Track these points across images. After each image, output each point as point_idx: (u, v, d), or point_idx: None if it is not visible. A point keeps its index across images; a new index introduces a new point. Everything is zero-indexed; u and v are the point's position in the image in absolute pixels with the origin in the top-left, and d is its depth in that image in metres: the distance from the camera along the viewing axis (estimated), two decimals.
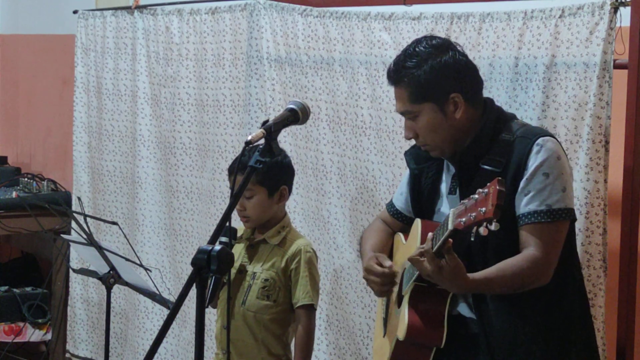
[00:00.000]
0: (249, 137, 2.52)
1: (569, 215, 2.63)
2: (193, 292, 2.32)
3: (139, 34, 4.60)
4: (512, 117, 2.79)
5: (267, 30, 4.01)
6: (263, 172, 2.98)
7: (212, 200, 4.30)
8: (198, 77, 4.35)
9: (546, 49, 3.11)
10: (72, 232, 4.13)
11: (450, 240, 2.47)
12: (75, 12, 4.94)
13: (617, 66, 2.97)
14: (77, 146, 4.96)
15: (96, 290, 4.94)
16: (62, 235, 4.64)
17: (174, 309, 2.33)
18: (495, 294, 2.65)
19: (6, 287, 5.30)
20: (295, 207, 3.93)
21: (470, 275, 2.56)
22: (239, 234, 3.45)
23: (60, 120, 5.63)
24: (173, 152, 4.49)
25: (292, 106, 2.69)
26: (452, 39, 2.98)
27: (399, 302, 2.76)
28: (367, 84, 3.64)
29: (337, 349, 3.84)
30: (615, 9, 2.95)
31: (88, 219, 3.92)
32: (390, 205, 3.04)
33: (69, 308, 5.09)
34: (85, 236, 3.71)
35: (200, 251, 2.30)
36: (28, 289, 5.31)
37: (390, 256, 2.99)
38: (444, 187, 2.81)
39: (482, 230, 2.31)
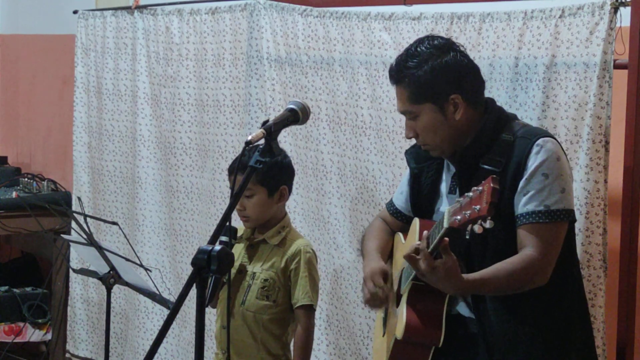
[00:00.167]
0: (249, 137, 2.52)
1: (567, 216, 2.63)
2: (193, 292, 2.32)
3: (139, 34, 4.60)
4: (513, 117, 2.79)
5: (267, 30, 4.01)
6: (263, 172, 2.98)
7: (212, 200, 4.30)
8: (198, 77, 4.35)
9: (546, 49, 3.11)
10: (72, 232, 4.13)
11: (446, 239, 2.46)
12: (75, 12, 4.94)
13: (617, 66, 2.97)
14: (77, 146, 4.96)
15: (96, 290, 4.94)
16: (62, 235, 4.64)
17: (174, 309, 2.33)
18: (492, 294, 2.66)
19: (6, 287, 5.30)
20: (295, 207, 3.93)
21: (465, 276, 2.56)
22: (238, 234, 3.45)
23: (60, 120, 5.63)
24: (173, 152, 4.49)
25: (292, 106, 2.69)
26: (453, 39, 2.98)
27: (398, 302, 2.76)
28: (367, 84, 3.64)
29: (337, 349, 3.84)
30: (615, 9, 2.95)
31: (88, 219, 3.92)
32: (391, 205, 3.04)
33: (69, 308, 5.09)
34: (85, 236, 3.71)
35: (200, 251, 2.30)
36: (28, 289, 5.31)
37: (391, 256, 3.00)
38: (444, 187, 2.81)
39: (477, 228, 2.31)
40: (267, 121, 2.60)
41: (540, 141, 2.63)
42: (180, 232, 4.50)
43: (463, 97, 2.69)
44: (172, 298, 3.92)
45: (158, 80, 4.54)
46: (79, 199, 4.29)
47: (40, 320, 5.22)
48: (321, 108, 3.82)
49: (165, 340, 3.51)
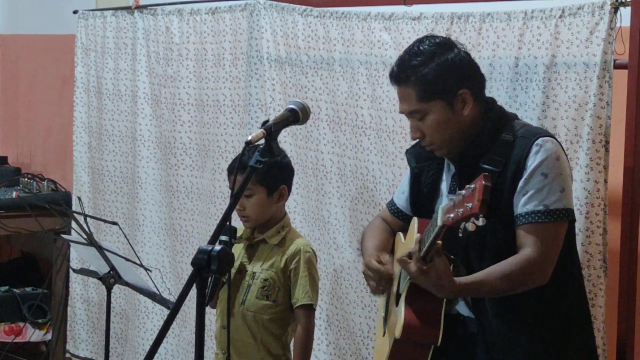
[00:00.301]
0: (249, 137, 2.52)
1: (567, 215, 2.62)
2: (193, 292, 2.32)
3: (139, 34, 4.61)
4: (514, 117, 2.79)
5: (267, 31, 4.01)
6: (262, 171, 2.98)
7: (212, 200, 4.30)
8: (198, 77, 4.35)
9: (546, 49, 3.11)
10: (72, 232, 4.13)
11: (439, 242, 2.47)
12: (75, 12, 4.94)
13: (617, 66, 2.97)
14: (77, 146, 4.96)
15: (96, 290, 4.94)
16: (62, 235, 4.64)
17: (174, 309, 2.33)
18: (489, 296, 2.66)
19: (6, 287, 5.30)
20: (295, 207, 3.93)
21: (457, 279, 2.57)
22: (238, 233, 3.45)
23: (60, 120, 5.62)
24: (173, 152, 4.49)
25: (292, 106, 2.69)
26: (453, 39, 2.98)
27: (398, 301, 2.76)
28: (367, 84, 3.64)
29: (337, 349, 3.84)
30: (615, 9, 2.95)
31: (88, 219, 3.92)
32: (391, 204, 3.04)
33: (69, 308, 5.09)
34: (85, 236, 3.71)
35: (200, 251, 2.30)
36: (28, 289, 5.31)
37: (392, 255, 2.99)
38: (444, 186, 2.81)
39: (470, 226, 2.31)
40: (267, 121, 2.60)
41: (539, 141, 2.63)
42: (180, 232, 4.50)
43: (471, 92, 2.69)
44: (172, 298, 3.92)
45: (158, 80, 4.54)
46: (79, 199, 4.29)
47: (40, 320, 5.22)
48: (321, 108, 3.82)
49: (165, 340, 3.50)
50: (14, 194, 5.14)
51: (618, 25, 2.95)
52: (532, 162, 2.61)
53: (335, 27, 3.74)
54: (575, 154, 3.02)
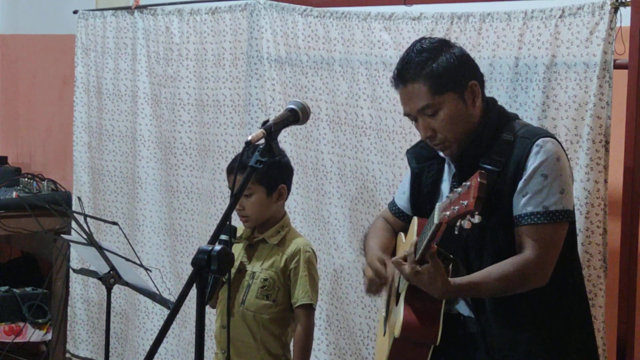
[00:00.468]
0: (249, 137, 2.52)
1: (566, 217, 2.62)
2: (193, 292, 2.32)
3: (139, 34, 4.60)
4: (514, 117, 2.79)
5: (267, 31, 4.01)
6: (261, 171, 2.99)
7: (212, 200, 4.30)
8: (198, 77, 4.35)
9: (546, 49, 3.11)
10: (72, 232, 4.13)
11: (435, 246, 2.49)
12: (75, 12, 4.94)
13: (617, 66, 2.97)
14: (77, 146, 4.96)
15: (96, 290, 4.94)
16: (62, 235, 4.64)
17: (174, 309, 2.33)
18: (486, 297, 2.66)
19: (6, 287, 5.30)
20: (295, 207, 3.93)
21: (453, 280, 2.57)
22: (238, 233, 3.46)
23: (60, 120, 5.62)
24: (173, 152, 4.49)
25: (292, 106, 2.69)
26: (452, 39, 2.99)
27: (397, 300, 2.76)
28: (367, 84, 3.64)
29: (337, 349, 3.84)
30: (615, 9, 2.95)
31: (88, 219, 3.91)
32: (392, 204, 3.04)
33: (69, 308, 5.09)
34: (85, 236, 3.71)
35: (200, 251, 2.30)
36: (28, 289, 5.31)
37: (393, 254, 2.99)
38: (445, 187, 2.80)
39: (466, 224, 2.31)
40: (267, 121, 2.60)
41: (540, 141, 2.62)
42: (180, 232, 4.50)
43: (479, 83, 2.69)
44: (172, 298, 3.92)
45: (158, 80, 4.54)
46: (79, 199, 4.28)
47: (40, 320, 5.22)
48: (321, 108, 3.82)
49: (165, 340, 3.50)
50: (14, 194, 5.14)
51: (618, 25, 2.95)
52: (532, 162, 2.61)
53: (335, 27, 3.74)
54: (575, 154, 3.02)
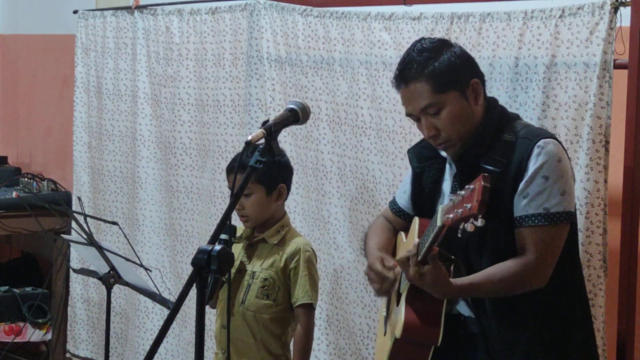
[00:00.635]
0: (249, 137, 2.52)
1: (567, 218, 2.62)
2: (193, 292, 2.32)
3: (139, 34, 4.60)
4: (516, 117, 2.78)
5: (267, 30, 4.01)
6: (261, 170, 2.99)
7: (212, 200, 4.30)
8: (198, 77, 4.35)
9: (546, 49, 3.11)
10: (72, 232, 4.13)
11: (436, 248, 2.49)
12: (75, 12, 4.94)
13: (617, 66, 2.97)
14: (77, 146, 4.96)
15: (96, 290, 4.94)
16: (62, 235, 4.64)
17: (174, 309, 2.33)
18: (486, 298, 2.66)
19: (6, 287, 5.30)
20: (295, 207, 3.93)
21: (454, 280, 2.58)
22: (238, 233, 3.46)
23: (60, 120, 5.62)
24: (173, 152, 4.49)
25: (292, 106, 2.69)
26: (452, 39, 2.99)
27: (398, 300, 2.76)
28: (367, 84, 3.64)
29: (337, 349, 3.84)
30: (615, 9, 2.95)
31: (88, 219, 3.92)
32: (393, 204, 3.04)
33: (69, 308, 5.09)
34: (85, 236, 3.71)
35: (200, 251, 2.30)
36: (28, 289, 5.31)
37: (394, 255, 3.00)
38: (446, 186, 2.80)
39: (469, 227, 2.31)
40: (267, 121, 2.60)
41: (541, 142, 2.62)
42: (180, 232, 4.50)
43: (480, 82, 2.70)
44: (172, 298, 3.92)
45: (158, 80, 4.54)
46: (79, 199, 4.29)
47: (40, 320, 5.22)
48: (321, 108, 3.82)
49: (165, 340, 3.50)
50: (14, 194, 5.14)
51: (618, 25, 2.95)
52: (534, 164, 2.60)
53: (335, 27, 3.74)
54: (575, 154, 3.01)
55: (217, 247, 2.29)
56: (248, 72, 4.09)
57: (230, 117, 4.22)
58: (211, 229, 3.89)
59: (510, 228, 2.63)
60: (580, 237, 2.97)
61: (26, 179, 5.34)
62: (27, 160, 5.95)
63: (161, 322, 3.95)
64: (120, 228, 4.10)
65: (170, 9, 4.47)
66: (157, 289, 3.72)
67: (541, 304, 2.65)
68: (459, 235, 2.36)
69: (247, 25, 4.10)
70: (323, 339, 3.87)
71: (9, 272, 5.59)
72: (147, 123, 4.61)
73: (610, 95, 2.96)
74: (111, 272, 3.75)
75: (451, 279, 2.58)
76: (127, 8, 4.70)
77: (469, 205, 2.29)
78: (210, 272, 2.29)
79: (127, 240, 4.20)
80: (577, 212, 2.86)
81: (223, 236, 3.16)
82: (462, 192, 2.34)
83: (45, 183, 5.27)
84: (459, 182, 2.72)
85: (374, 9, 3.64)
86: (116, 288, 4.25)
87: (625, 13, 2.96)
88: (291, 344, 3.42)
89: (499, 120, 2.71)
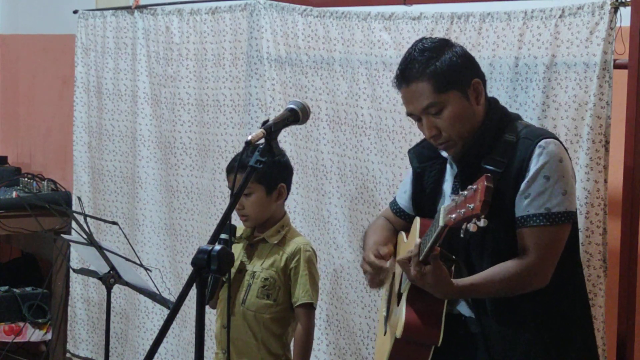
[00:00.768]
0: (249, 137, 2.52)
1: (568, 218, 2.62)
2: (193, 292, 2.32)
3: (139, 34, 4.61)
4: (517, 117, 2.78)
5: (267, 30, 4.01)
6: (261, 170, 2.99)
7: (212, 200, 4.30)
8: (198, 77, 4.35)
9: (546, 49, 3.11)
10: (72, 232, 4.13)
11: (438, 248, 2.49)
12: (75, 12, 4.94)
13: (617, 66, 2.97)
14: (77, 146, 4.96)
15: (96, 290, 4.94)
16: (62, 235, 4.64)
17: (174, 309, 2.33)
18: (487, 298, 2.66)
19: (6, 287, 5.30)
20: (295, 207, 3.93)
21: (455, 281, 2.58)
22: (238, 233, 3.46)
23: (60, 120, 5.62)
24: (173, 152, 4.49)
25: (292, 106, 2.68)
26: (452, 39, 2.98)
27: (399, 300, 2.76)
28: (367, 84, 3.64)
29: (337, 349, 3.84)
30: (615, 9, 2.95)
31: (88, 219, 3.92)
32: (394, 204, 3.04)
33: (69, 308, 5.09)
34: (85, 236, 3.71)
35: (200, 251, 2.30)
36: (28, 289, 5.31)
37: (394, 255, 2.99)
38: (447, 186, 2.80)
39: (472, 227, 2.31)
40: (267, 121, 2.60)
41: (542, 142, 2.62)
42: (180, 232, 4.50)
43: (481, 82, 2.69)
44: (172, 298, 3.92)
45: (158, 80, 4.54)
46: (79, 198, 4.29)
47: (40, 320, 5.22)
48: (321, 108, 3.82)
49: (165, 340, 3.51)
50: (14, 194, 5.14)
51: (618, 25, 2.95)
52: (535, 164, 2.60)
53: (335, 27, 3.74)
54: (575, 154, 3.01)
55: (217, 247, 2.29)
56: (248, 72, 4.09)
57: (230, 117, 4.22)
58: (211, 229, 3.89)
59: (511, 228, 2.63)
60: (580, 237, 2.97)
61: (26, 179, 5.34)
62: (27, 160, 5.95)
63: (161, 322, 3.95)
64: (120, 228, 4.10)
65: (170, 9, 4.47)
66: (157, 289, 3.72)
67: (541, 304, 2.65)
68: (462, 235, 2.35)
69: (247, 25, 4.10)
70: (323, 339, 3.88)
71: (9, 272, 5.59)
72: (147, 123, 4.61)
73: (610, 95, 2.96)
74: (111, 272, 3.75)
75: (452, 280, 2.58)
76: (127, 8, 4.70)
77: (471, 206, 2.28)
78: (210, 272, 2.29)
79: (127, 240, 4.20)
80: (577, 212, 2.86)
81: (223, 236, 3.17)
82: (465, 193, 2.34)
83: (45, 183, 5.27)
84: (460, 183, 2.72)
85: (374, 9, 3.64)
86: (116, 288, 4.25)
87: (625, 13, 2.96)
88: (291, 343, 3.42)
89: (499, 120, 2.71)
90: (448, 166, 2.81)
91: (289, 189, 3.46)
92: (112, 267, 3.74)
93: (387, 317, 2.93)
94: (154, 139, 4.58)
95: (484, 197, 2.26)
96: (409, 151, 2.94)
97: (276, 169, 3.35)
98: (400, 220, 3.01)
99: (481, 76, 2.72)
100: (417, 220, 2.80)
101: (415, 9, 3.51)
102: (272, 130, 2.56)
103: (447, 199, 2.78)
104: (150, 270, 3.82)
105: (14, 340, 5.19)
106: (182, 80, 4.43)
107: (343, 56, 3.72)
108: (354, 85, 3.69)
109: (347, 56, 3.71)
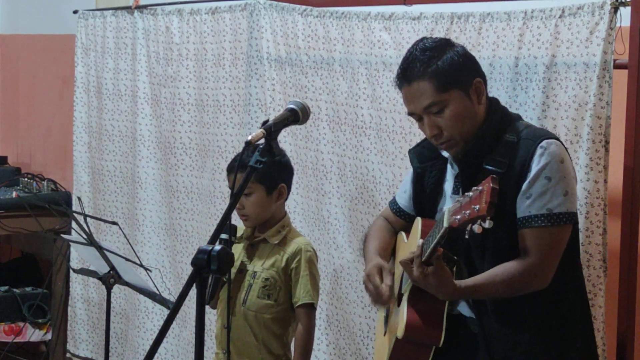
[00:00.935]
0: (249, 137, 2.51)
1: (570, 219, 2.62)
2: (193, 292, 2.32)
3: (139, 34, 4.61)
4: (517, 117, 2.78)
5: (267, 30, 4.01)
6: (261, 170, 2.99)
7: (212, 200, 4.30)
8: (198, 77, 4.35)
9: (546, 49, 3.11)
10: (72, 232, 4.13)
11: (441, 249, 2.49)
12: (75, 12, 4.94)
13: (617, 66, 2.97)
14: (77, 146, 4.96)
15: (96, 290, 4.94)
16: (62, 235, 4.64)
17: (174, 309, 2.33)
18: (489, 299, 2.66)
19: (6, 287, 5.30)
20: (295, 207, 3.93)
21: (458, 282, 2.58)
22: (239, 233, 3.46)
23: (60, 120, 5.63)
24: (173, 152, 4.49)
25: (292, 106, 2.68)
26: (452, 39, 2.98)
27: (399, 301, 2.76)
28: (367, 84, 3.64)
29: (337, 349, 3.84)
30: (615, 9, 2.95)
31: (88, 219, 3.92)
32: (394, 203, 3.03)
33: (69, 308, 5.09)
34: (85, 236, 3.71)
35: (200, 251, 2.30)
36: (28, 289, 5.31)
37: (393, 254, 2.99)
38: (447, 187, 2.80)
39: (477, 228, 2.30)
40: (267, 121, 2.60)
41: (544, 143, 2.61)
42: (180, 232, 4.50)
43: (483, 81, 2.69)
44: (172, 298, 3.92)
45: (158, 80, 4.54)
46: (79, 199, 4.29)
47: (40, 320, 5.22)
48: (321, 108, 3.82)
49: (165, 340, 3.51)
50: (14, 194, 5.14)
51: (618, 25, 2.95)
52: (536, 164, 2.60)
53: (335, 27, 3.74)
54: (575, 154, 3.01)
55: (217, 247, 2.29)
56: (248, 72, 4.09)
57: (230, 117, 4.22)
58: (211, 229, 3.89)
59: (512, 229, 2.63)
60: (580, 237, 2.97)
61: (26, 179, 5.34)
62: (27, 160, 5.95)
63: (161, 322, 3.95)
64: (120, 228, 4.11)
65: (170, 9, 4.47)
66: (157, 289, 3.72)
67: (542, 305, 2.65)
68: (466, 236, 2.35)
69: (247, 25, 4.10)
70: (323, 339, 3.88)
71: (9, 272, 5.59)
72: (147, 123, 4.61)
73: (610, 95, 2.96)
74: (111, 272, 3.75)
75: (454, 281, 2.58)
76: (127, 8, 4.70)
77: (477, 207, 2.28)
78: (210, 272, 2.29)
79: (127, 240, 4.20)
80: (577, 212, 2.86)
81: (223, 236, 3.17)
82: (470, 194, 2.33)
83: (45, 183, 5.27)
84: (461, 183, 2.72)
85: (374, 9, 3.64)
86: (116, 288, 4.25)
87: (625, 13, 2.95)
88: (292, 344, 3.42)
89: (500, 120, 2.71)
90: (449, 166, 2.81)
91: (289, 189, 3.46)
92: (112, 267, 3.74)
93: (386, 318, 2.93)
94: (154, 139, 4.58)
95: (490, 198, 2.25)
96: (410, 151, 2.94)
97: (276, 169, 3.35)
98: (399, 220, 3.01)
99: (482, 76, 2.73)
100: (419, 220, 2.79)
101: (415, 9, 3.51)
102: (272, 130, 2.56)
103: (448, 199, 2.78)
104: (150, 270, 3.82)
105: (14, 340, 5.20)
106: (182, 81, 4.43)
107: (343, 56, 3.72)
108: (354, 85, 3.69)
109: (347, 56, 3.71)
